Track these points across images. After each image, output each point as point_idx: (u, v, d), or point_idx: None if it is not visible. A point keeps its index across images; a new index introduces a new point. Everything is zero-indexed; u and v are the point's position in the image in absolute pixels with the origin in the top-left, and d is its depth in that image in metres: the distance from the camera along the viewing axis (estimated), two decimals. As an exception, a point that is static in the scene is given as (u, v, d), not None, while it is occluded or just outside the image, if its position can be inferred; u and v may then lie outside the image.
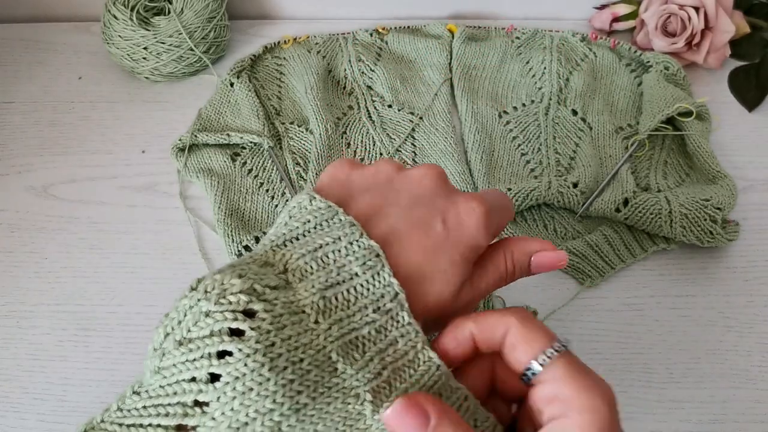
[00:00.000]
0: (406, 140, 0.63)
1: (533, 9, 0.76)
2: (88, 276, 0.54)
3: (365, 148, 0.63)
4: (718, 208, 0.52)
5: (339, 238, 0.25)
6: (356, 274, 0.24)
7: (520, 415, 0.26)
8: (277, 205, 0.58)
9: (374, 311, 0.24)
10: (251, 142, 0.62)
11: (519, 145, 0.62)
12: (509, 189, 0.56)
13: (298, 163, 0.61)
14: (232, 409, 0.20)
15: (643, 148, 0.60)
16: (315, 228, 0.25)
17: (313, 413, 0.21)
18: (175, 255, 0.56)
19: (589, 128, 0.62)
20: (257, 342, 0.21)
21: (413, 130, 0.64)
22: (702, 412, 0.46)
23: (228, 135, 0.61)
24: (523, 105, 0.66)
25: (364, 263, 0.24)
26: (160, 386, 0.22)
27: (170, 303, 0.55)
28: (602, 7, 0.73)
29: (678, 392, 0.46)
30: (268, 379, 0.21)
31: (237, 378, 0.21)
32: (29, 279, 0.54)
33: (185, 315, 0.22)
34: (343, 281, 0.24)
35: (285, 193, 0.59)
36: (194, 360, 0.21)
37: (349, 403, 0.22)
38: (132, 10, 0.67)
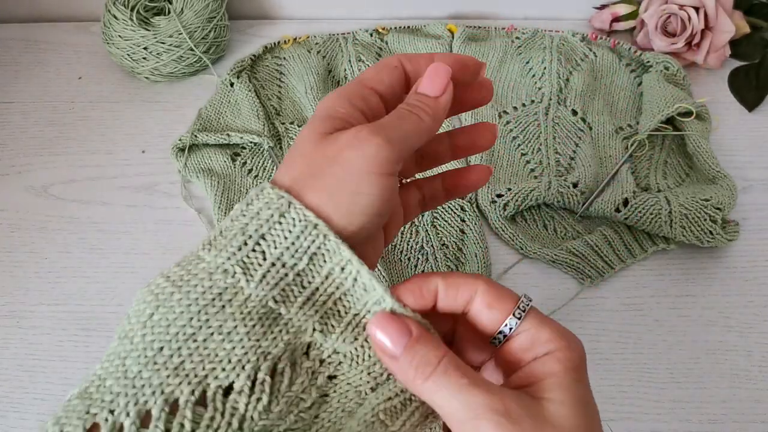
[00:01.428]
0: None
1: (533, 9, 0.76)
2: (88, 276, 0.54)
3: (365, 148, 0.63)
4: (718, 208, 0.52)
5: (251, 201, 0.25)
6: (242, 209, 0.25)
7: (483, 369, 0.28)
8: (277, 205, 0.58)
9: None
10: (251, 142, 0.62)
11: (519, 145, 0.62)
12: (509, 189, 0.56)
13: (298, 163, 0.61)
14: (123, 328, 0.24)
15: (643, 148, 0.60)
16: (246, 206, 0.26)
17: (180, 297, 0.23)
18: (175, 255, 0.55)
19: (589, 128, 0.62)
20: (150, 292, 0.24)
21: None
22: (702, 412, 0.46)
23: (228, 135, 0.61)
24: (523, 105, 0.66)
25: (270, 207, 0.24)
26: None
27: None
28: (602, 7, 0.73)
29: (678, 392, 0.46)
30: (146, 293, 0.24)
31: (131, 310, 0.24)
32: (29, 279, 0.54)
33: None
34: (255, 230, 0.24)
35: (285, 193, 0.59)
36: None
37: (219, 280, 0.24)
38: (132, 10, 0.67)
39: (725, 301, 0.51)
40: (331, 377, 0.25)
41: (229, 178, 0.60)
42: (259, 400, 0.23)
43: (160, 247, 0.56)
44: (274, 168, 0.61)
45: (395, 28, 0.73)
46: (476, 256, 0.53)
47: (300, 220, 0.24)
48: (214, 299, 0.23)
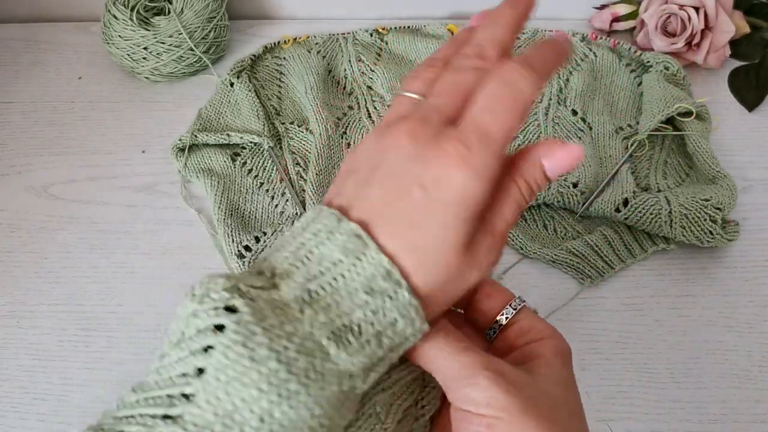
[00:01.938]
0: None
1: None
2: (88, 276, 0.54)
3: (365, 148, 0.63)
4: (718, 208, 0.52)
5: (319, 231, 0.24)
6: (339, 260, 0.23)
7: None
8: (277, 205, 0.58)
9: (366, 293, 0.23)
10: (251, 142, 0.62)
11: (519, 145, 0.62)
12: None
13: (298, 163, 0.61)
14: (217, 398, 0.21)
15: (643, 148, 0.60)
16: (303, 230, 0.25)
17: (307, 399, 0.21)
18: (175, 255, 0.56)
19: (589, 128, 0.62)
20: (236, 333, 0.21)
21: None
22: (702, 412, 0.46)
23: (228, 135, 0.61)
24: (523, 105, 0.65)
25: (345, 247, 0.23)
26: (155, 382, 0.23)
27: (170, 303, 0.55)
28: (602, 7, 0.73)
29: (678, 392, 0.46)
30: (251, 369, 0.21)
31: (219, 369, 0.21)
32: (29, 279, 0.54)
33: (179, 320, 0.23)
34: (327, 270, 0.23)
35: (285, 193, 0.59)
36: (184, 358, 0.22)
37: (344, 384, 0.23)
38: (132, 10, 0.67)
39: (725, 301, 0.51)
40: None
41: (229, 178, 0.60)
42: None
43: (160, 247, 0.56)
44: (274, 168, 0.61)
45: (395, 28, 0.73)
46: (476, 256, 0.53)
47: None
48: (339, 405, 0.23)
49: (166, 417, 0.21)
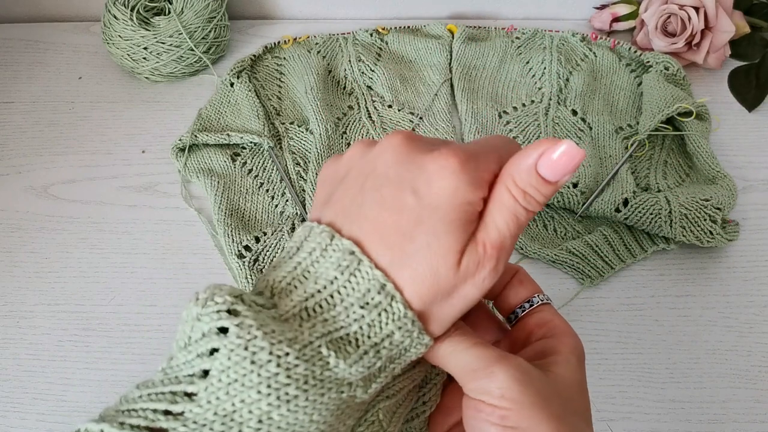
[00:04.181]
0: (406, 140, 0.63)
1: (533, 9, 0.76)
2: (88, 276, 0.54)
3: (365, 148, 0.63)
4: (718, 208, 0.52)
5: (313, 249, 0.24)
6: (335, 278, 0.24)
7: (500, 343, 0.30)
8: (277, 205, 0.58)
9: (361, 307, 0.23)
10: (251, 142, 0.62)
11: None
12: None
13: (298, 163, 0.61)
14: (218, 398, 0.21)
15: (643, 148, 0.60)
16: (297, 249, 0.25)
17: (306, 404, 0.22)
18: (175, 255, 0.56)
19: (589, 128, 0.62)
20: (239, 337, 0.22)
21: (413, 130, 0.63)
22: (702, 412, 0.46)
23: (228, 135, 0.61)
24: (523, 105, 0.66)
25: (339, 265, 0.24)
26: (160, 381, 0.23)
27: (170, 303, 0.55)
28: (602, 7, 0.73)
29: (678, 392, 0.46)
30: (252, 372, 0.21)
31: (222, 371, 0.22)
32: (29, 279, 0.54)
33: (191, 327, 0.24)
34: (324, 288, 0.24)
35: (285, 193, 0.59)
36: (191, 360, 0.22)
37: (343, 392, 0.23)
38: (132, 10, 0.67)
39: (725, 301, 0.51)
40: None
41: (229, 178, 0.60)
42: None
43: (160, 247, 0.56)
44: (274, 168, 0.61)
45: (395, 28, 0.73)
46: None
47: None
48: (339, 412, 0.23)
49: (167, 413, 0.22)
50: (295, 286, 0.24)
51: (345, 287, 0.23)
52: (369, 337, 0.23)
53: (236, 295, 0.23)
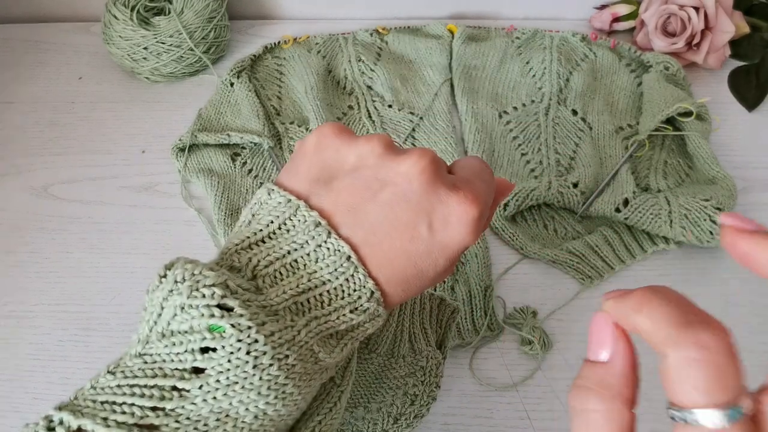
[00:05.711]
0: (406, 140, 0.63)
1: (533, 9, 0.76)
2: (88, 276, 0.54)
3: (365, 148, 0.63)
4: (718, 208, 0.52)
5: (306, 242, 0.24)
6: (329, 281, 0.24)
7: None
8: (277, 205, 0.58)
9: (351, 311, 0.24)
10: (251, 142, 0.62)
11: (519, 145, 0.62)
12: (509, 189, 0.56)
13: (298, 163, 0.61)
14: (215, 398, 0.21)
15: (643, 148, 0.60)
16: (279, 228, 0.25)
17: (298, 397, 0.23)
18: (175, 255, 0.55)
19: (589, 128, 0.62)
20: (239, 340, 0.21)
21: (413, 130, 0.64)
22: (702, 412, 0.45)
23: (228, 135, 0.61)
24: (523, 105, 0.66)
25: (335, 270, 0.24)
26: (140, 369, 0.22)
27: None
28: (602, 7, 0.73)
29: (678, 392, 0.46)
30: (254, 375, 0.21)
31: (221, 372, 0.21)
32: (29, 279, 0.54)
33: (162, 308, 0.23)
34: (315, 287, 0.24)
35: (285, 193, 0.59)
36: (178, 353, 0.22)
37: (324, 376, 0.25)
38: (132, 10, 0.67)
39: (725, 301, 0.51)
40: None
41: (229, 178, 0.60)
42: None
43: (160, 247, 0.56)
44: (274, 168, 0.61)
45: (395, 28, 0.73)
46: (476, 256, 0.53)
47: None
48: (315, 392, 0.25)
49: (155, 409, 0.21)
50: (284, 276, 0.24)
51: (337, 289, 0.24)
52: (353, 335, 0.25)
53: (222, 285, 0.22)
